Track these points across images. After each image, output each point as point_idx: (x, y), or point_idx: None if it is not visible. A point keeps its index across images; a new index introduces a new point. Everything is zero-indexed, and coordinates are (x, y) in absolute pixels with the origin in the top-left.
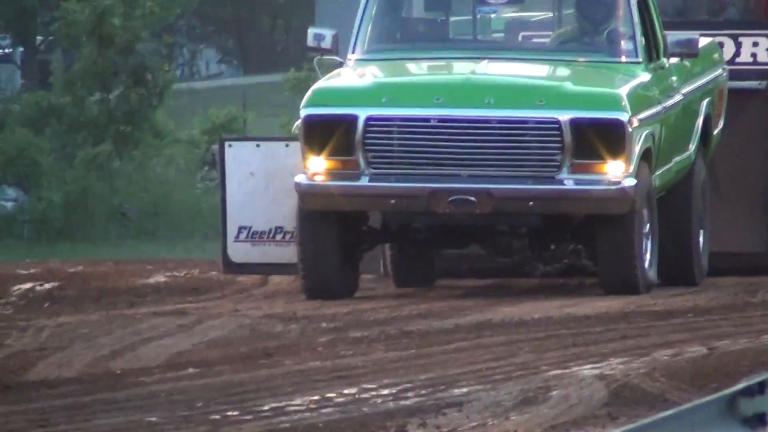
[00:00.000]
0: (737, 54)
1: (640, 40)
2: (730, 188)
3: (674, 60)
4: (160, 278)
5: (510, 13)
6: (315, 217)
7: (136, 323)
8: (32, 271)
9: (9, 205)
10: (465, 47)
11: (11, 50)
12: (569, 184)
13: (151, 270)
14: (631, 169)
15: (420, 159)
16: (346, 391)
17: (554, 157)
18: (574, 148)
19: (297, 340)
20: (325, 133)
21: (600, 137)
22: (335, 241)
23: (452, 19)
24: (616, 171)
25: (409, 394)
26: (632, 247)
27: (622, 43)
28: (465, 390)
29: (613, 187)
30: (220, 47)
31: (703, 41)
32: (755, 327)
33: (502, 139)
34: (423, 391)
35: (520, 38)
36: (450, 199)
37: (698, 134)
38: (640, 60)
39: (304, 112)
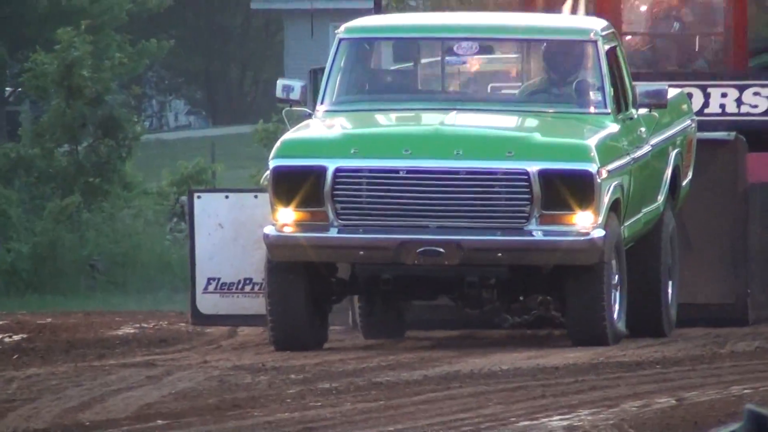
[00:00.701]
0: (706, 105)
1: (609, 90)
2: (699, 239)
3: (643, 111)
4: (129, 330)
5: (478, 65)
6: (284, 268)
7: (104, 375)
8: (1, 323)
9: None
10: (433, 98)
11: None
12: (538, 235)
13: (120, 321)
14: (600, 220)
15: (389, 210)
16: None
17: (523, 208)
18: (542, 199)
19: (266, 392)
20: (293, 185)
21: (569, 188)
22: (304, 292)
23: (421, 70)
24: (584, 222)
25: None
26: (601, 298)
27: (591, 93)
28: None
29: (582, 238)
30: (188, 99)
31: (672, 92)
32: (723, 378)
33: (471, 191)
34: None
35: (488, 89)
36: (419, 250)
37: (667, 185)
38: (609, 111)
39: (273, 163)
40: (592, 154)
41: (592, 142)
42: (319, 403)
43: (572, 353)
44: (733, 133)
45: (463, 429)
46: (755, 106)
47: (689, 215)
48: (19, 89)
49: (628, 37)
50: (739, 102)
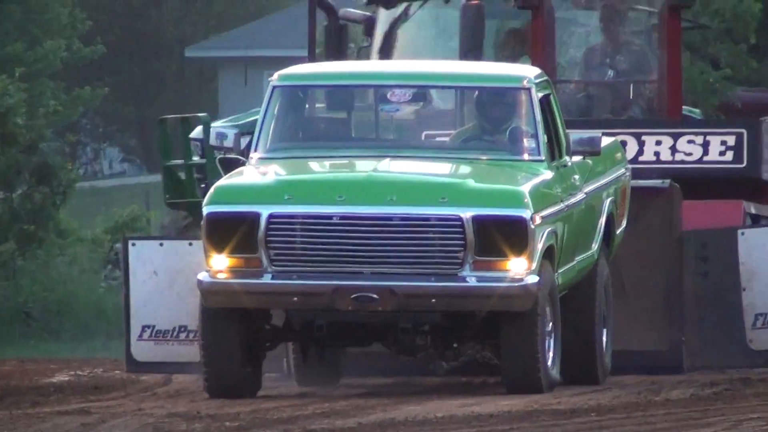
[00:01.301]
0: (641, 152)
1: (542, 138)
2: (634, 286)
3: (577, 158)
4: (63, 377)
5: (412, 112)
6: (218, 315)
7: (39, 422)
8: None
9: None
10: (367, 145)
11: None
12: (472, 281)
13: (54, 369)
14: (534, 266)
15: (323, 256)
16: None
17: (457, 254)
18: (476, 245)
19: None
20: (227, 231)
21: (502, 234)
22: (238, 339)
23: (355, 117)
24: (518, 268)
25: None
26: (535, 345)
27: (525, 141)
28: None
29: (516, 284)
30: (123, 146)
31: (606, 140)
32: (658, 426)
33: (405, 236)
34: None
35: (422, 136)
36: (353, 296)
37: (601, 233)
38: (543, 158)
39: (206, 210)
40: (526, 200)
41: (525, 188)
42: None
43: (507, 401)
44: (668, 181)
45: None
46: (690, 154)
47: (624, 262)
48: None
49: (563, 85)
50: (673, 150)
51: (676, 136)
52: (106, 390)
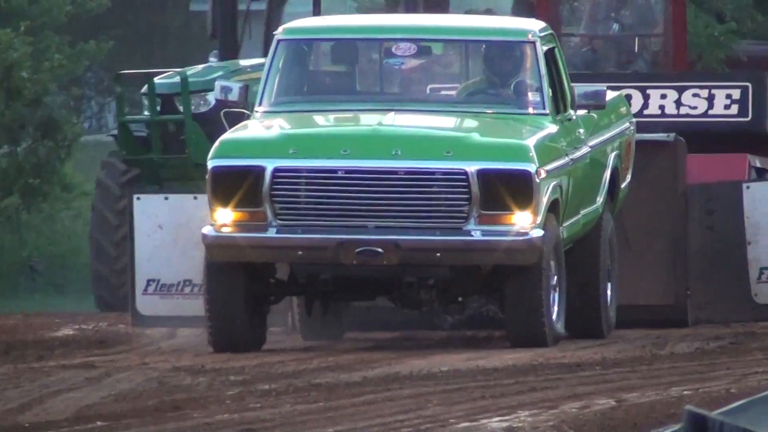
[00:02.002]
0: (645, 106)
1: (548, 92)
2: (639, 240)
3: (582, 112)
4: (68, 331)
5: (417, 65)
6: (222, 269)
7: (44, 376)
8: None
9: None
10: (372, 99)
11: None
12: (476, 235)
13: (59, 323)
14: (539, 220)
15: (327, 210)
16: None
17: (462, 208)
18: (481, 199)
19: (205, 393)
20: (232, 185)
21: (507, 188)
22: (242, 293)
23: (359, 71)
24: (523, 222)
25: None
26: (540, 299)
27: (529, 94)
28: None
29: (521, 238)
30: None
31: (611, 94)
32: (663, 379)
33: (410, 191)
34: None
35: (427, 90)
36: (357, 250)
37: (606, 187)
38: (548, 112)
39: (211, 164)
40: (531, 154)
41: (530, 142)
42: (259, 405)
43: (511, 354)
44: (673, 135)
45: (402, 431)
46: (694, 108)
47: (629, 216)
48: None
49: (568, 38)
50: (678, 103)
51: (680, 90)
52: (110, 344)
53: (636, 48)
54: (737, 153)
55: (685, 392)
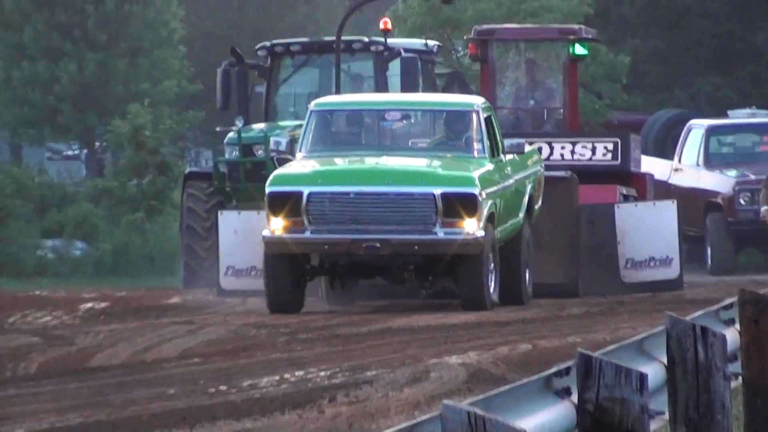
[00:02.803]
0: (551, 154)
1: (486, 143)
2: (547, 240)
3: (510, 156)
4: (176, 300)
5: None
6: (275, 258)
7: (160, 329)
8: (92, 295)
9: (78, 252)
10: (373, 148)
11: (79, 152)
12: (441, 235)
13: (170, 294)
14: (481, 225)
15: (343, 219)
16: (297, 373)
17: (431, 218)
18: (443, 212)
19: (264, 340)
20: (281, 203)
21: (461, 204)
22: (288, 274)
23: (364, 130)
24: (471, 227)
25: (338, 375)
26: (481, 277)
27: (474, 144)
28: (374, 373)
29: (470, 237)
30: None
31: (529, 147)
32: (563, 331)
33: (397, 206)
34: (347, 374)
35: (409, 142)
36: (364, 245)
37: (525, 207)
38: (486, 156)
39: (268, 190)
40: (476, 182)
41: (475, 174)
42: (300, 348)
43: (465, 316)
44: (569, 172)
45: (393, 364)
46: (583, 155)
47: (542, 225)
48: (104, 143)
49: (501, 109)
50: (573, 152)
51: (574, 143)
52: (203, 308)
53: (545, 116)
54: (611, 185)
55: (578, 340)
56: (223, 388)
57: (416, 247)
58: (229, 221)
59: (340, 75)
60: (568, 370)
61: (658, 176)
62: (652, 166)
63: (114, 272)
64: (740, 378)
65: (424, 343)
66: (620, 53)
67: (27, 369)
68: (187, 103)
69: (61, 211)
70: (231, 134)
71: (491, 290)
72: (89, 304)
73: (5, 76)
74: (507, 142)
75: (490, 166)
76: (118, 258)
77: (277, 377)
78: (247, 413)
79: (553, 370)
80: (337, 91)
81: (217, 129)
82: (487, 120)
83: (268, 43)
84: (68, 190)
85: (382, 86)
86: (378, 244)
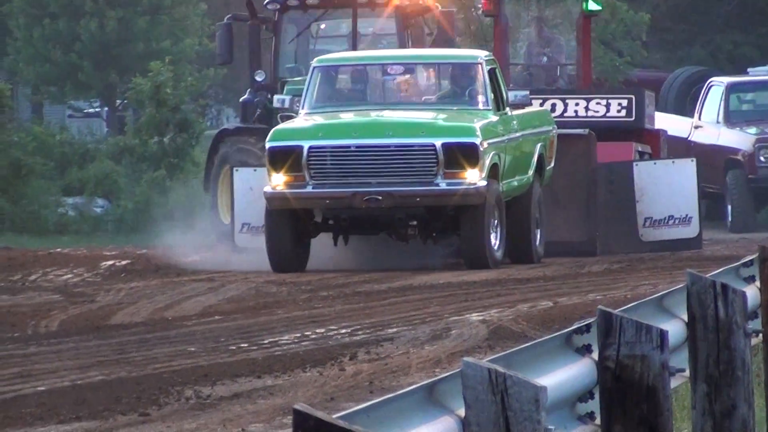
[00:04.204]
0: (565, 111)
1: (490, 95)
2: (565, 199)
3: (519, 111)
4: (195, 257)
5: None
6: (277, 215)
7: (181, 286)
8: (113, 253)
9: (99, 210)
10: (375, 102)
11: (100, 109)
12: (443, 186)
13: (189, 252)
14: (483, 175)
15: (345, 172)
16: (318, 331)
17: (432, 169)
18: (445, 162)
19: (285, 298)
20: (282, 158)
21: (462, 154)
22: (291, 231)
23: (368, 85)
24: (473, 177)
25: (359, 332)
26: (483, 231)
27: (478, 97)
28: (395, 330)
29: (472, 186)
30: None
31: (541, 108)
32: (583, 288)
33: (398, 158)
34: (367, 331)
35: (413, 97)
36: (365, 198)
37: (534, 165)
38: (490, 108)
39: (267, 145)
40: (477, 132)
41: (477, 124)
42: (320, 305)
43: (485, 273)
44: (587, 130)
45: (414, 322)
46: (597, 112)
47: (559, 183)
48: (125, 101)
49: (514, 67)
50: (586, 109)
51: (588, 100)
52: (224, 265)
53: (558, 73)
54: (626, 142)
55: (598, 297)
56: (244, 345)
57: (418, 199)
58: (245, 178)
59: (357, 31)
60: (588, 327)
61: (678, 134)
62: (672, 123)
63: (135, 230)
64: (760, 335)
65: (444, 300)
66: (640, 10)
67: (48, 326)
68: (207, 61)
69: (82, 169)
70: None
71: (495, 247)
72: (110, 262)
73: (26, 33)
74: (511, 93)
75: (493, 118)
76: (139, 216)
77: (298, 334)
78: (268, 370)
79: (574, 327)
80: (354, 48)
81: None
82: (491, 73)
83: None
84: (89, 147)
85: (404, 46)
86: (380, 197)
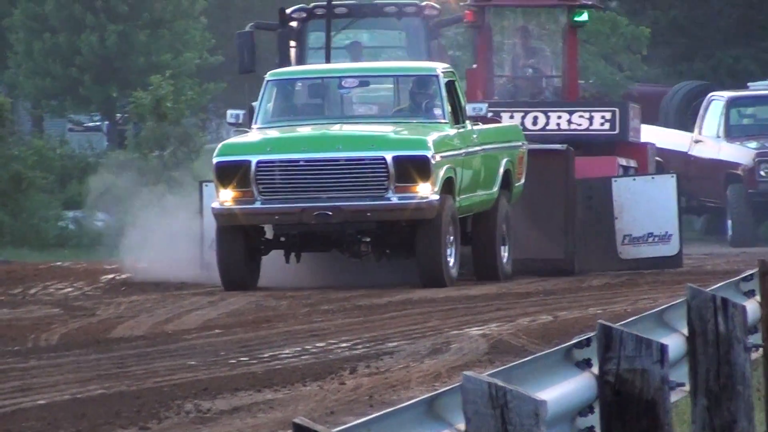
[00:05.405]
0: (547, 124)
1: (447, 108)
2: (542, 216)
3: (485, 126)
4: (197, 272)
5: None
6: (227, 232)
7: (181, 300)
8: (113, 266)
9: (99, 224)
10: (329, 117)
11: (100, 123)
12: (394, 200)
13: (185, 266)
14: (436, 189)
15: (294, 187)
16: (318, 345)
17: (383, 182)
18: (396, 176)
19: (286, 312)
20: (230, 173)
21: (414, 168)
22: (241, 248)
23: (322, 99)
24: (425, 191)
25: (359, 346)
26: (439, 247)
27: (435, 110)
28: (395, 344)
29: (424, 201)
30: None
31: (509, 123)
32: (584, 303)
33: (348, 172)
34: (367, 345)
35: (366, 110)
36: (315, 213)
37: (499, 180)
38: (447, 121)
39: (214, 160)
40: (429, 145)
41: (429, 137)
42: (320, 319)
43: (484, 287)
44: (565, 145)
45: (414, 336)
46: (579, 125)
47: (535, 200)
48: (126, 115)
49: (499, 78)
50: (569, 122)
51: (571, 113)
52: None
53: (544, 84)
54: (610, 156)
55: (598, 311)
56: (244, 359)
57: (369, 214)
58: (213, 193)
59: (330, 41)
60: (588, 342)
61: (678, 148)
62: (672, 137)
63: (135, 244)
64: (760, 350)
65: (444, 314)
66: (640, 25)
67: (48, 340)
68: (208, 75)
69: (82, 183)
70: None
71: (450, 264)
72: (110, 275)
73: (27, 47)
74: (469, 106)
75: (450, 131)
76: (138, 230)
77: (298, 348)
78: (268, 384)
79: (574, 341)
80: (327, 60)
81: None
82: (449, 85)
83: (306, 5)
84: (90, 161)
85: (434, 55)
86: (329, 212)
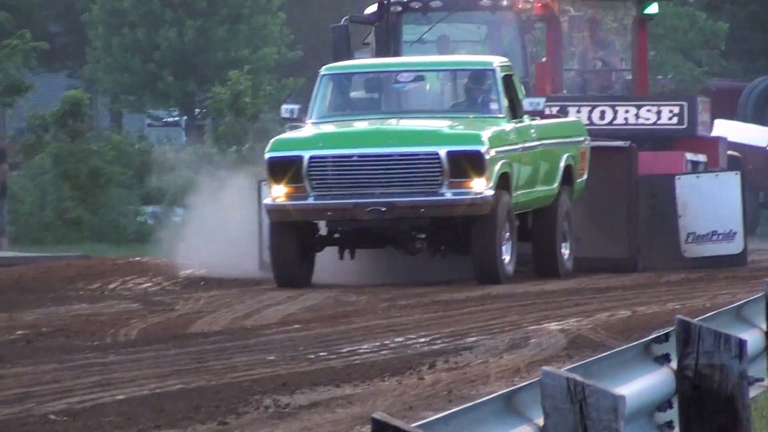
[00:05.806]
0: (615, 118)
1: (504, 102)
2: (605, 214)
3: (546, 121)
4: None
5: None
6: (280, 228)
7: (260, 295)
8: (192, 261)
9: (178, 219)
10: (386, 112)
11: (179, 119)
12: (448, 195)
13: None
14: (491, 184)
15: (346, 183)
16: (396, 340)
17: (437, 178)
18: (450, 172)
19: (364, 307)
20: (282, 169)
21: (468, 163)
22: (294, 245)
23: (377, 93)
24: (479, 186)
25: (437, 341)
26: (494, 243)
27: (491, 104)
28: (474, 339)
29: (478, 196)
30: None
31: (572, 119)
32: (662, 298)
33: (401, 167)
34: (446, 340)
35: (422, 104)
36: (367, 209)
37: (560, 176)
38: (503, 116)
39: (266, 156)
40: (483, 140)
41: (484, 132)
42: (399, 314)
43: (563, 282)
44: (628, 142)
45: (492, 331)
46: (647, 119)
47: (597, 197)
48: (204, 110)
49: (568, 72)
50: (636, 116)
51: (638, 107)
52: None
53: (613, 78)
54: (678, 151)
55: (677, 306)
56: (323, 354)
57: (422, 210)
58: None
59: (401, 36)
60: (667, 337)
61: (756, 143)
62: (750, 132)
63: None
64: None
65: (523, 309)
66: (719, 20)
67: (128, 335)
68: (286, 70)
69: (161, 178)
70: None
71: (506, 260)
72: (188, 271)
73: (106, 43)
74: (526, 101)
75: (506, 126)
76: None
77: (376, 343)
78: (346, 379)
79: (653, 336)
80: (396, 54)
81: None
82: (506, 79)
83: None
84: (168, 156)
85: (528, 49)
86: (383, 208)
